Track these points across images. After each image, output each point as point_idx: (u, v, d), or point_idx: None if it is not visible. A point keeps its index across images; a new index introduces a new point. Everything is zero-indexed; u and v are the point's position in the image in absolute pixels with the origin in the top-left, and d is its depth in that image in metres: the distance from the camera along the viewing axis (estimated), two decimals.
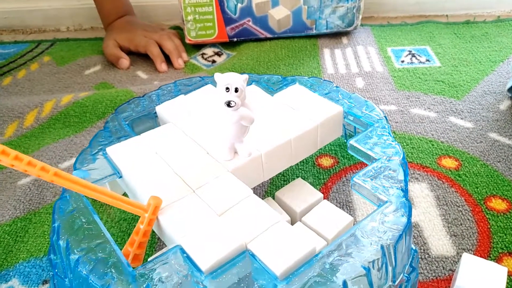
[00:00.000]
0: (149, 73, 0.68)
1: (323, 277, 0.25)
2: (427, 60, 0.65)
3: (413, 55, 0.67)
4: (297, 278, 0.25)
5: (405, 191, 0.31)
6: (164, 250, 0.34)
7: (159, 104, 0.44)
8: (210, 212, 0.31)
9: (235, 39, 0.73)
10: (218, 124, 0.34)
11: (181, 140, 0.38)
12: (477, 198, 0.41)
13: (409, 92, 0.57)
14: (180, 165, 0.35)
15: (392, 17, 0.83)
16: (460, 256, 0.35)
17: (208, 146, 0.37)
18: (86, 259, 0.28)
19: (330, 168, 0.45)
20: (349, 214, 0.40)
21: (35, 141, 0.53)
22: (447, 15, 0.81)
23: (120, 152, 0.37)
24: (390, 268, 0.27)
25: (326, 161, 0.46)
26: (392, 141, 0.37)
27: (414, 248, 0.31)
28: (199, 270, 0.26)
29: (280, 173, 0.45)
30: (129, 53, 0.71)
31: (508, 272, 0.34)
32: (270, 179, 0.45)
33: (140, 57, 0.72)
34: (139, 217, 0.30)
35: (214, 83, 0.46)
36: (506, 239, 0.37)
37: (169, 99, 0.45)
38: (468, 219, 0.39)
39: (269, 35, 0.73)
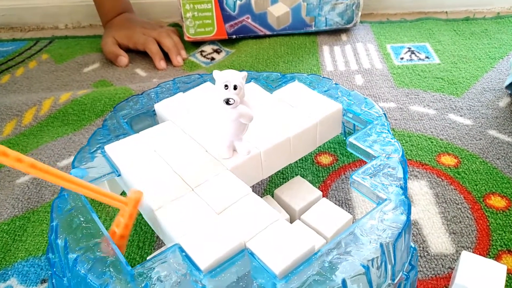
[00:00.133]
0: (148, 71, 0.68)
1: (322, 275, 0.25)
2: (427, 57, 0.65)
3: (413, 52, 0.66)
4: (296, 277, 0.25)
5: (404, 189, 0.31)
6: (163, 248, 0.34)
7: (157, 102, 0.44)
8: (209, 211, 0.30)
9: (234, 36, 0.73)
10: (217, 122, 0.34)
11: (180, 138, 0.38)
12: (476, 196, 0.41)
13: (409, 89, 0.57)
14: (179, 163, 0.35)
15: (391, 14, 0.82)
16: (459, 254, 0.35)
17: (207, 144, 0.37)
18: (84, 258, 0.27)
19: (329, 166, 0.45)
20: (348, 212, 0.40)
21: (33, 139, 0.53)
22: (446, 12, 0.81)
23: (119, 150, 0.37)
24: (389, 266, 0.27)
25: (325, 159, 0.46)
26: (391, 139, 0.37)
27: (413, 246, 0.31)
28: (197, 269, 0.26)
29: (279, 171, 0.45)
30: (128, 50, 0.71)
31: (508, 270, 0.34)
32: (269, 177, 0.44)
33: (138, 54, 0.71)
34: (140, 214, 0.30)
35: (213, 81, 0.46)
36: (505, 237, 0.37)
37: (168, 96, 0.44)
38: (467, 217, 0.39)
39: (268, 32, 0.73)
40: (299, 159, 0.46)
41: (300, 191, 0.38)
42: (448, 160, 0.45)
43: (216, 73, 0.32)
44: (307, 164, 0.46)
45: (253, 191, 0.32)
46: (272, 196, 0.39)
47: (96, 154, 0.38)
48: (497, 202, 0.40)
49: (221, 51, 0.72)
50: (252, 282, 0.26)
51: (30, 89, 0.65)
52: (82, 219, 0.31)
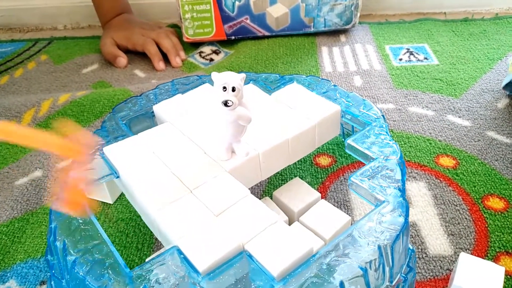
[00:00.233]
0: (146, 72, 0.68)
1: (320, 277, 0.25)
2: (425, 58, 0.65)
3: (411, 53, 0.66)
4: (294, 279, 0.25)
5: (402, 190, 0.31)
6: (161, 250, 0.34)
7: (156, 103, 0.44)
8: (207, 213, 0.31)
9: (233, 37, 0.73)
10: (215, 124, 0.34)
11: (179, 140, 0.38)
12: (475, 197, 0.41)
13: (407, 90, 0.57)
14: (178, 165, 0.35)
15: (390, 15, 0.83)
16: (458, 255, 0.35)
17: (206, 146, 0.37)
18: (83, 260, 0.28)
19: (328, 167, 0.45)
20: (347, 213, 0.40)
21: None
22: (445, 13, 0.81)
23: (117, 152, 0.37)
24: (387, 268, 0.27)
25: (324, 160, 0.46)
26: (390, 140, 0.37)
27: (411, 248, 0.31)
28: (196, 271, 0.26)
29: (278, 172, 0.45)
30: (127, 51, 0.71)
31: (506, 271, 0.34)
32: (268, 178, 0.44)
33: (137, 55, 0.71)
34: (138, 216, 0.30)
35: (211, 82, 0.46)
36: (504, 238, 0.37)
37: (167, 98, 0.45)
38: (466, 218, 0.39)
39: (267, 33, 0.73)
40: (298, 161, 0.46)
41: (299, 192, 0.38)
42: (446, 162, 0.45)
43: (214, 75, 0.32)
44: (306, 166, 0.46)
45: (252, 192, 0.32)
46: (271, 198, 0.39)
47: (94, 155, 0.38)
48: (496, 203, 0.40)
49: (220, 52, 0.72)
50: (250, 284, 0.26)
51: (29, 90, 0.65)
52: (80, 221, 0.31)
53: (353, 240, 0.28)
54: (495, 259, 0.35)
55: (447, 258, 0.35)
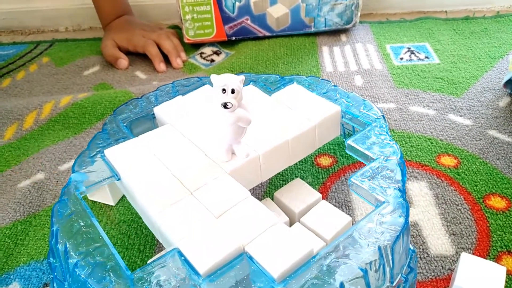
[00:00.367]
0: (147, 73, 0.68)
1: (320, 279, 0.25)
2: (426, 57, 0.65)
3: (412, 52, 0.66)
4: (294, 281, 0.25)
5: (402, 191, 0.31)
6: (162, 252, 0.34)
7: (157, 105, 0.44)
8: (207, 215, 0.31)
9: (234, 38, 0.73)
10: (215, 126, 0.34)
11: (179, 142, 0.38)
12: (476, 197, 0.41)
13: (408, 90, 0.57)
14: (178, 167, 0.35)
15: (391, 14, 0.82)
16: (459, 255, 0.35)
17: (206, 147, 0.37)
18: (85, 263, 0.28)
19: (329, 168, 0.45)
20: (348, 214, 0.40)
21: (34, 143, 0.53)
22: (446, 11, 0.81)
23: (118, 154, 0.37)
24: (387, 269, 0.27)
25: (325, 160, 0.46)
26: (390, 141, 0.37)
27: (412, 248, 0.31)
28: (196, 273, 0.26)
29: (278, 173, 0.45)
30: (128, 53, 0.71)
31: (507, 271, 0.34)
32: (269, 179, 0.45)
33: (138, 57, 0.72)
34: (140, 218, 0.30)
35: (212, 84, 0.46)
36: (505, 238, 0.37)
37: (167, 100, 0.45)
38: (467, 218, 0.39)
39: (267, 34, 0.73)
40: (299, 161, 0.46)
41: (300, 193, 0.38)
42: (448, 161, 0.45)
43: (213, 77, 0.32)
44: (307, 166, 0.46)
45: (253, 193, 0.33)
46: (272, 199, 0.39)
47: (96, 158, 0.38)
48: (497, 202, 0.40)
49: (220, 52, 0.72)
50: (250, 286, 0.26)
51: (31, 92, 0.65)
52: (82, 223, 0.31)
53: (353, 241, 0.28)
54: (497, 259, 0.35)
55: (448, 258, 0.35)
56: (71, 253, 0.29)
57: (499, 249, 0.36)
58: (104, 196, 0.43)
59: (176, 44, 0.71)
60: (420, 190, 0.42)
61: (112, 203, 0.43)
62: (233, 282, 0.26)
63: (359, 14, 0.72)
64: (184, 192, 0.33)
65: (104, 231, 0.40)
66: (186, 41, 0.73)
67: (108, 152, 0.38)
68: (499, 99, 0.54)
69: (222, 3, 0.69)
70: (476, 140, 0.47)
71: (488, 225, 0.38)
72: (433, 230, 0.38)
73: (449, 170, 0.44)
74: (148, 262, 0.33)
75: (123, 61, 0.69)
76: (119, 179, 0.36)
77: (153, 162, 0.36)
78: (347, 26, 0.73)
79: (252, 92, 0.44)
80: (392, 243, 0.27)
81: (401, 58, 0.65)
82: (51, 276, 0.31)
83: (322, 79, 0.46)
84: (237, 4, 0.69)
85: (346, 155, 0.47)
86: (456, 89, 0.57)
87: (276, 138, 0.37)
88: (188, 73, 0.67)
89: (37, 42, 0.82)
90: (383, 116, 0.40)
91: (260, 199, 0.40)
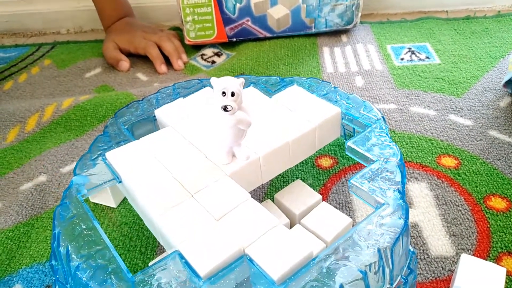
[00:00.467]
0: (149, 75, 0.68)
1: (320, 281, 0.25)
2: (427, 57, 0.65)
3: (413, 52, 0.66)
4: (294, 283, 0.25)
5: (402, 193, 0.31)
6: (164, 255, 0.34)
7: (158, 107, 0.44)
8: (208, 217, 0.31)
9: (235, 39, 0.73)
10: (216, 128, 0.34)
11: (180, 144, 0.38)
12: (477, 197, 0.41)
13: (409, 90, 0.57)
14: (179, 169, 0.36)
15: (391, 14, 0.82)
16: (459, 256, 0.35)
17: (207, 150, 0.37)
18: (86, 265, 0.28)
19: (330, 169, 0.46)
20: (349, 215, 0.40)
21: (36, 145, 0.53)
22: (447, 11, 0.80)
23: (119, 157, 0.38)
24: (387, 271, 0.27)
25: (325, 162, 0.46)
26: (390, 142, 0.37)
27: (412, 249, 0.31)
28: (197, 275, 0.27)
29: (279, 174, 0.45)
30: (129, 55, 0.72)
31: (507, 272, 0.34)
32: (269, 180, 0.45)
33: (140, 59, 0.72)
34: (141, 220, 0.30)
35: (212, 86, 0.46)
36: (506, 239, 0.37)
37: (168, 102, 0.45)
38: (468, 219, 0.39)
39: (268, 35, 0.73)
40: (300, 162, 0.46)
41: (300, 195, 0.38)
42: (448, 162, 0.45)
43: (213, 80, 0.32)
44: (308, 167, 0.46)
45: (253, 195, 0.33)
46: (273, 200, 0.39)
47: (97, 161, 0.38)
48: (498, 203, 0.40)
49: (221, 54, 0.73)
50: None
51: (33, 95, 0.66)
52: (83, 226, 0.31)
53: (353, 243, 0.28)
54: (497, 260, 0.35)
55: (448, 259, 0.35)
56: (73, 256, 0.29)
57: (499, 250, 0.36)
58: (106, 198, 0.43)
59: (177, 46, 0.71)
60: (420, 191, 0.42)
61: (113, 205, 0.43)
62: (234, 285, 0.26)
63: (359, 14, 0.72)
64: (185, 195, 0.33)
65: (106, 233, 0.40)
66: (187, 42, 0.73)
67: (109, 154, 0.38)
68: (500, 99, 0.54)
69: (222, 4, 0.69)
70: (477, 141, 0.47)
71: (488, 226, 0.38)
72: (433, 231, 0.38)
73: (449, 171, 0.44)
74: (149, 264, 0.33)
75: (125, 63, 0.69)
76: (120, 182, 0.36)
77: (154, 164, 0.36)
78: (348, 27, 0.73)
79: (252, 94, 0.44)
80: (392, 245, 0.27)
81: (402, 59, 0.65)
82: (53, 278, 0.31)
83: (322, 81, 0.46)
84: (238, 5, 0.70)
85: (347, 156, 0.47)
86: (456, 89, 0.57)
87: (277, 140, 0.37)
88: (189, 75, 0.67)
89: (39, 45, 0.83)
90: (383, 117, 0.40)
91: (261, 201, 0.40)
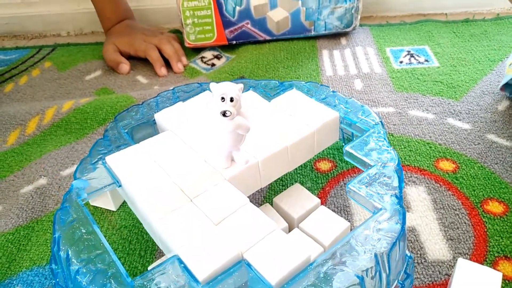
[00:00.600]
0: (149, 78, 0.69)
1: (317, 286, 0.26)
2: (426, 60, 0.65)
3: (412, 55, 0.67)
4: None
5: (399, 198, 0.32)
6: (163, 259, 0.34)
7: (158, 111, 0.45)
8: (207, 222, 0.31)
9: (234, 42, 0.73)
10: (215, 133, 0.35)
11: (179, 148, 0.39)
12: (474, 201, 0.41)
13: (408, 94, 0.58)
14: (178, 173, 0.36)
15: (390, 16, 0.83)
16: (456, 260, 0.36)
17: (206, 154, 0.38)
18: (86, 270, 0.28)
19: (328, 172, 0.46)
20: (347, 219, 0.40)
21: (37, 148, 0.54)
22: (446, 14, 0.81)
23: (119, 161, 0.38)
24: (384, 276, 0.28)
25: (324, 165, 0.47)
26: (388, 147, 0.37)
27: (409, 254, 0.32)
28: (196, 280, 0.27)
29: (278, 178, 0.45)
30: (129, 57, 0.72)
31: (504, 276, 0.34)
32: (268, 184, 0.45)
33: (140, 61, 0.72)
34: (141, 223, 0.30)
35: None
36: (502, 243, 0.37)
37: (168, 106, 0.45)
38: (465, 223, 0.39)
39: (268, 37, 0.73)
40: (298, 166, 0.46)
41: (299, 199, 0.39)
42: (446, 166, 0.45)
43: (213, 86, 0.32)
44: (306, 171, 0.46)
45: (252, 198, 0.33)
46: (271, 204, 0.39)
47: (97, 165, 0.38)
48: (495, 207, 0.40)
49: (221, 57, 0.73)
50: None
51: (33, 97, 0.66)
52: (83, 230, 0.31)
53: (350, 248, 0.28)
54: (494, 264, 0.35)
55: (445, 263, 0.36)
56: (73, 260, 0.29)
57: (495, 254, 0.36)
58: (106, 202, 0.43)
59: (177, 49, 0.71)
60: (418, 195, 0.42)
61: (113, 209, 0.43)
62: None
63: (359, 17, 0.73)
64: (184, 199, 0.33)
65: (106, 236, 0.40)
66: (187, 45, 0.73)
67: (109, 159, 0.38)
68: (498, 102, 0.54)
69: (222, 7, 0.70)
70: (475, 144, 0.48)
71: (485, 230, 0.38)
72: (430, 235, 0.38)
73: (447, 175, 0.44)
74: (149, 268, 0.33)
75: (125, 65, 0.70)
76: (120, 186, 0.37)
77: (154, 168, 0.37)
78: (347, 30, 0.73)
79: (251, 98, 0.45)
80: (389, 250, 0.28)
81: (401, 62, 0.65)
82: (53, 281, 0.32)
83: (321, 85, 0.46)
84: (238, 8, 0.70)
85: (345, 160, 0.47)
86: (455, 92, 0.57)
87: (275, 145, 0.38)
88: (189, 78, 0.68)
89: (39, 47, 0.83)
90: (381, 122, 0.40)
91: (260, 205, 0.41)
